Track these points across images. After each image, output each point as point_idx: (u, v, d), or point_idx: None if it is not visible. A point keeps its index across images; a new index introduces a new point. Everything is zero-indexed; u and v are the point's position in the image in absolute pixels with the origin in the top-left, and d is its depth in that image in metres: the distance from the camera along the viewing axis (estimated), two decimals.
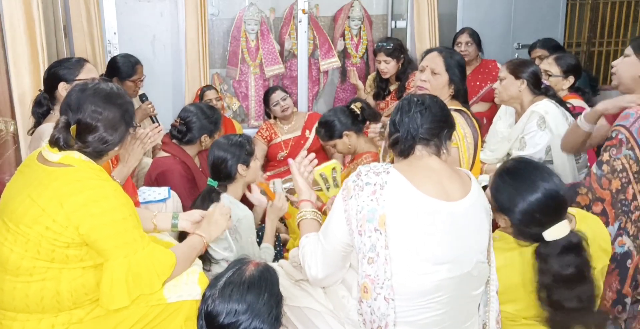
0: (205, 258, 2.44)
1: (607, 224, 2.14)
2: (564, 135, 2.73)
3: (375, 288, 1.61)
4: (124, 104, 1.84)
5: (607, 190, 2.15)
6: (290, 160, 2.14)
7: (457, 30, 4.37)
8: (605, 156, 2.19)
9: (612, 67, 2.48)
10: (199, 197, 2.57)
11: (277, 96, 4.01)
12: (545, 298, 1.81)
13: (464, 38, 4.21)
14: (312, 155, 2.14)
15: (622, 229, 2.15)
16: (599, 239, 1.97)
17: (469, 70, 4.15)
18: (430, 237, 1.61)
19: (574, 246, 1.77)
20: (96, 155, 1.82)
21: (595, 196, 2.17)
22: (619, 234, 2.16)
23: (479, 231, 1.71)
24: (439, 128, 1.73)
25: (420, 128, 1.71)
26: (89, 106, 1.77)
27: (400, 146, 1.73)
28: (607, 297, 2.18)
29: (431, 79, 2.62)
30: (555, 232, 1.77)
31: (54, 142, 1.77)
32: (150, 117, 3.72)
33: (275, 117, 4.12)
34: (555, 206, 1.79)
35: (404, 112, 1.74)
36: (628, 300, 2.19)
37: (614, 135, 2.19)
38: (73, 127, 1.76)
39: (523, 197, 1.79)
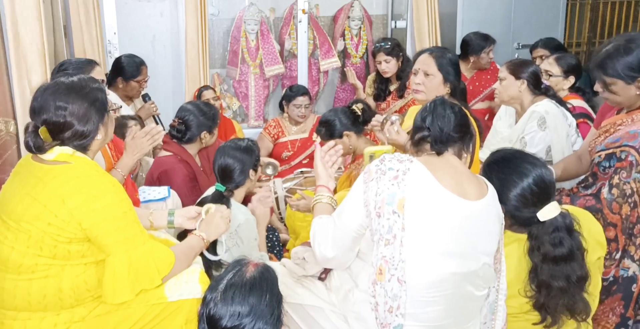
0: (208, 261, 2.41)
1: (616, 251, 2.11)
2: (562, 169, 2.65)
3: (390, 269, 1.64)
4: (89, 92, 1.80)
5: (618, 215, 2.09)
6: (317, 144, 2.13)
7: (458, 31, 4.37)
8: (615, 179, 2.11)
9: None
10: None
11: (304, 101, 4.00)
12: (534, 278, 1.85)
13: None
14: (340, 146, 2.14)
15: (626, 252, 2.12)
16: (594, 233, 1.99)
17: (473, 73, 4.19)
18: (443, 228, 1.65)
19: (566, 226, 1.83)
20: (82, 149, 1.81)
21: (607, 221, 2.11)
22: (623, 257, 2.12)
23: (489, 233, 1.74)
24: (463, 132, 1.79)
25: (452, 129, 1.76)
26: (52, 103, 1.75)
27: (435, 147, 1.77)
28: (610, 321, 2.17)
29: (425, 81, 2.63)
30: (548, 212, 1.83)
31: (26, 148, 1.75)
32: (154, 117, 3.72)
33: (287, 112, 4.10)
34: (545, 187, 1.85)
35: (436, 113, 1.78)
36: (631, 322, 2.17)
37: (623, 156, 2.10)
38: (42, 129, 1.74)
39: (514, 181, 1.86)
